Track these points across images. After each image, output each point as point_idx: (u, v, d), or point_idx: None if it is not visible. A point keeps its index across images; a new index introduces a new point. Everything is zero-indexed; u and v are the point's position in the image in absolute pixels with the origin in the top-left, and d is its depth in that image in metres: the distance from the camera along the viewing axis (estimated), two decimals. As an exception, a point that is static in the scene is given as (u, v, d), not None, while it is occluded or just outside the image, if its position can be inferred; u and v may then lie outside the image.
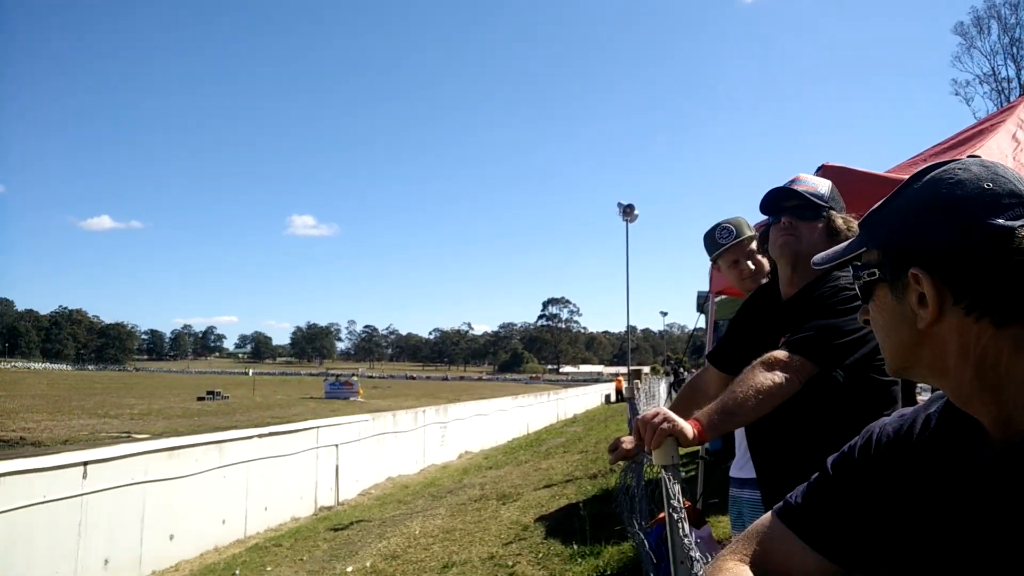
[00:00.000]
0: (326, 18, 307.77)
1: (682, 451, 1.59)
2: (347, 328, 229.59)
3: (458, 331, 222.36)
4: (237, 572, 7.23)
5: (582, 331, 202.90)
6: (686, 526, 1.42)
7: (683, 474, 2.07)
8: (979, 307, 0.72)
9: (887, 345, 0.83)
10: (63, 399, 35.31)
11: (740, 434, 2.57)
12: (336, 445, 11.65)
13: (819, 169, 3.32)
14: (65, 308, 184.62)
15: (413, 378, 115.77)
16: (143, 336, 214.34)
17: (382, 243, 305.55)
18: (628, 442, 1.83)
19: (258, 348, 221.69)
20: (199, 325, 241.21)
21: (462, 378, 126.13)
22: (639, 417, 1.59)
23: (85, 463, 6.95)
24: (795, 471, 1.16)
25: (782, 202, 1.91)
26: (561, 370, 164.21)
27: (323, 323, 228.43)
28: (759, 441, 1.93)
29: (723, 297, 5.82)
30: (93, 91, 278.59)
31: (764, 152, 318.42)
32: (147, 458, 7.86)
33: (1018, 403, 0.73)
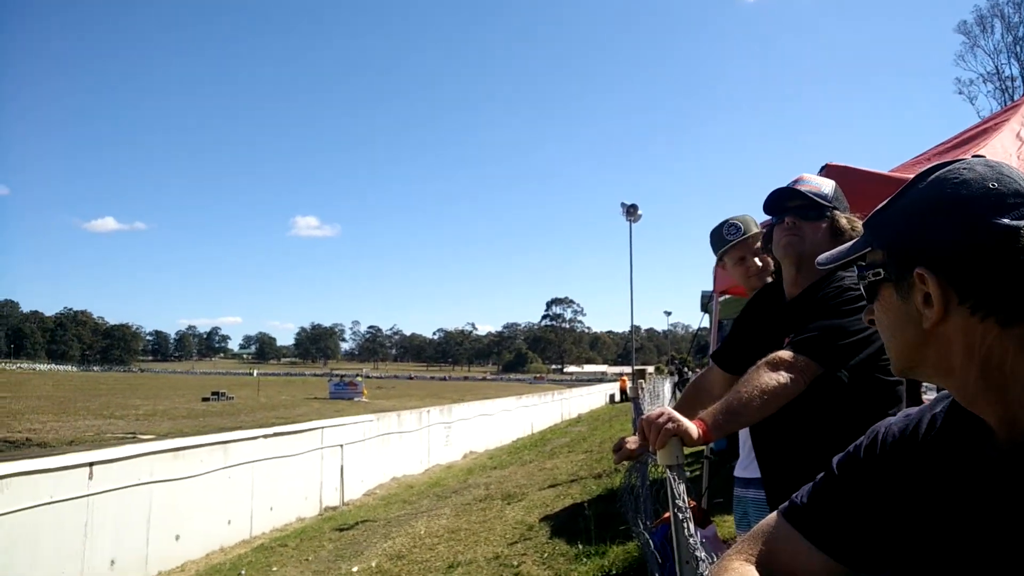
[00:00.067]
0: (326, 18, 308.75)
1: (687, 451, 1.59)
2: (351, 329, 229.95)
3: (462, 331, 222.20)
4: (243, 572, 7.25)
5: (586, 331, 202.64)
6: (691, 526, 1.42)
7: (688, 474, 2.07)
8: (984, 307, 0.73)
9: (892, 345, 0.83)
10: (68, 400, 35.37)
11: (745, 434, 2.57)
12: (341, 445, 11.67)
13: (823, 169, 3.31)
14: (70, 309, 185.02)
15: (412, 378, 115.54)
16: (148, 337, 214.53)
17: (385, 244, 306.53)
18: (632, 442, 1.82)
19: (262, 349, 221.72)
20: (203, 326, 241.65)
21: (466, 378, 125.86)
22: (643, 417, 1.59)
23: (91, 464, 6.97)
24: (800, 471, 1.16)
25: (786, 202, 1.91)
26: (565, 370, 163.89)
27: (327, 324, 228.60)
28: (764, 441, 1.93)
29: (727, 297, 5.82)
30: (95, 92, 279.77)
31: (766, 152, 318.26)
32: (153, 459, 7.89)
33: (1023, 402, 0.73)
